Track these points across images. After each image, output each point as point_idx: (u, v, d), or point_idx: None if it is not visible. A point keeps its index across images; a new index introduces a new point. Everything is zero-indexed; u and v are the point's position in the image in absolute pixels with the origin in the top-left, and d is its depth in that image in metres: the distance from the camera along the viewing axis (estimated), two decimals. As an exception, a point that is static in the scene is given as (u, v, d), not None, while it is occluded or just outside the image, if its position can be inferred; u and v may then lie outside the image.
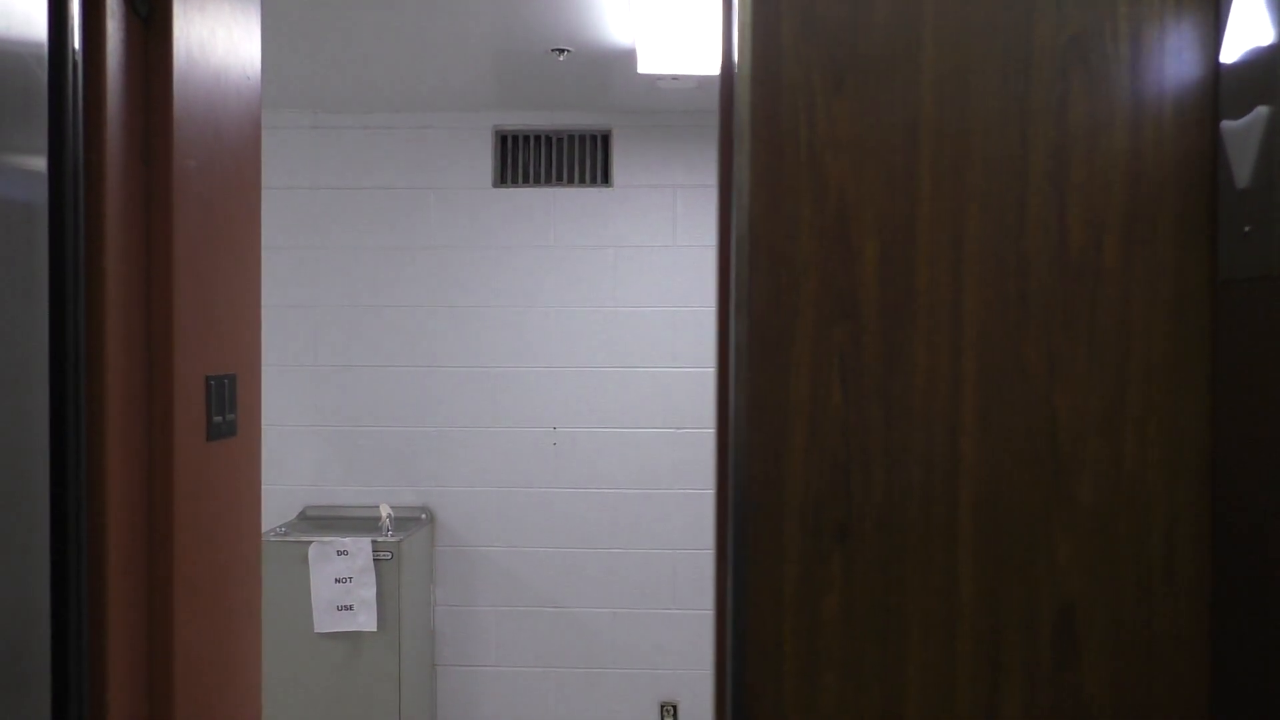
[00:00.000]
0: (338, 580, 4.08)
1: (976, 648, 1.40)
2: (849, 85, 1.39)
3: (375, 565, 4.08)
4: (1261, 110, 1.29)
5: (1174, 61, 1.40)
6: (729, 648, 1.40)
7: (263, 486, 4.69)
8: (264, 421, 4.51)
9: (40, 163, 1.46)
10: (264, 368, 4.50)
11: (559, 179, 4.57)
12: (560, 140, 4.57)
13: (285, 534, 4.20)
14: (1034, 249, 1.39)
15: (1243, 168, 1.32)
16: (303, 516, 4.54)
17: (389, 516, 4.30)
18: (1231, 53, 1.36)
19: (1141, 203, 1.39)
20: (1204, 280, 1.40)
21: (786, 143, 1.39)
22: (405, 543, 4.16)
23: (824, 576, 1.39)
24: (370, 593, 4.07)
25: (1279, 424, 1.25)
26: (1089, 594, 1.39)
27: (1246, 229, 1.32)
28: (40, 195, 1.47)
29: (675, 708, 4.57)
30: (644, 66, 3.52)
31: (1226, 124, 1.36)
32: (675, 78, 3.79)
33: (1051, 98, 1.39)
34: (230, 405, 2.08)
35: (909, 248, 1.39)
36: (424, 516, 4.54)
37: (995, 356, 1.39)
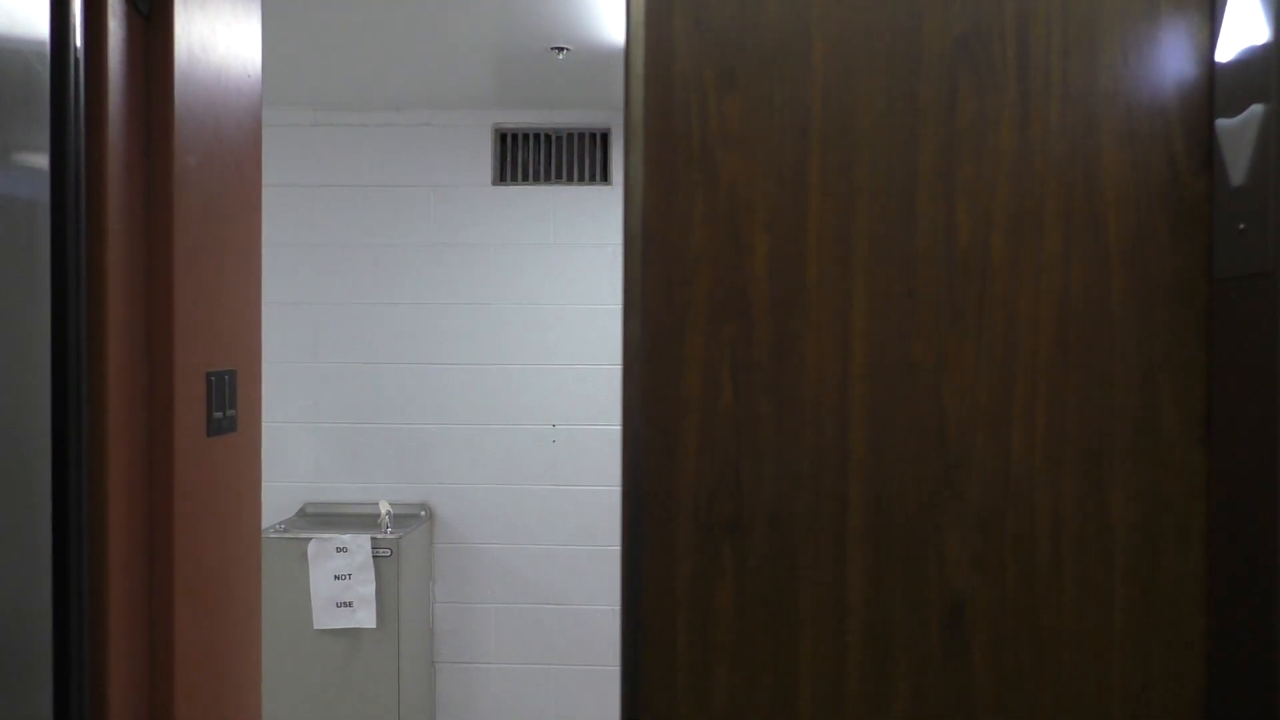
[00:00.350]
0: (337, 577, 4.12)
1: (866, 640, 1.41)
2: (740, 82, 1.41)
3: (374, 562, 4.12)
4: (1256, 109, 1.29)
5: (1085, 62, 1.41)
6: (626, 639, 1.42)
7: (262, 483, 4.75)
8: (264, 418, 4.57)
9: (42, 160, 1.48)
10: (264, 364, 4.55)
11: (558, 177, 4.60)
12: (560, 138, 4.60)
13: (285, 531, 4.25)
14: (922, 246, 1.40)
15: (1237, 165, 1.32)
16: (302, 513, 4.59)
17: (388, 513, 4.34)
18: (1227, 52, 1.36)
19: (1028, 200, 1.40)
20: (1118, 277, 1.41)
21: (678, 139, 1.40)
22: (404, 540, 4.19)
23: (716, 570, 1.41)
24: (369, 589, 4.11)
25: (1273, 418, 1.25)
26: (977, 589, 1.40)
27: (1241, 226, 1.32)
28: (42, 192, 1.48)
29: (671, 705, 4.57)
30: (642, 65, 3.53)
31: (1221, 122, 1.36)
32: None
33: (940, 96, 1.40)
34: (230, 401, 2.10)
35: (799, 244, 1.40)
36: (423, 513, 4.58)
37: (884, 352, 1.40)
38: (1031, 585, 1.40)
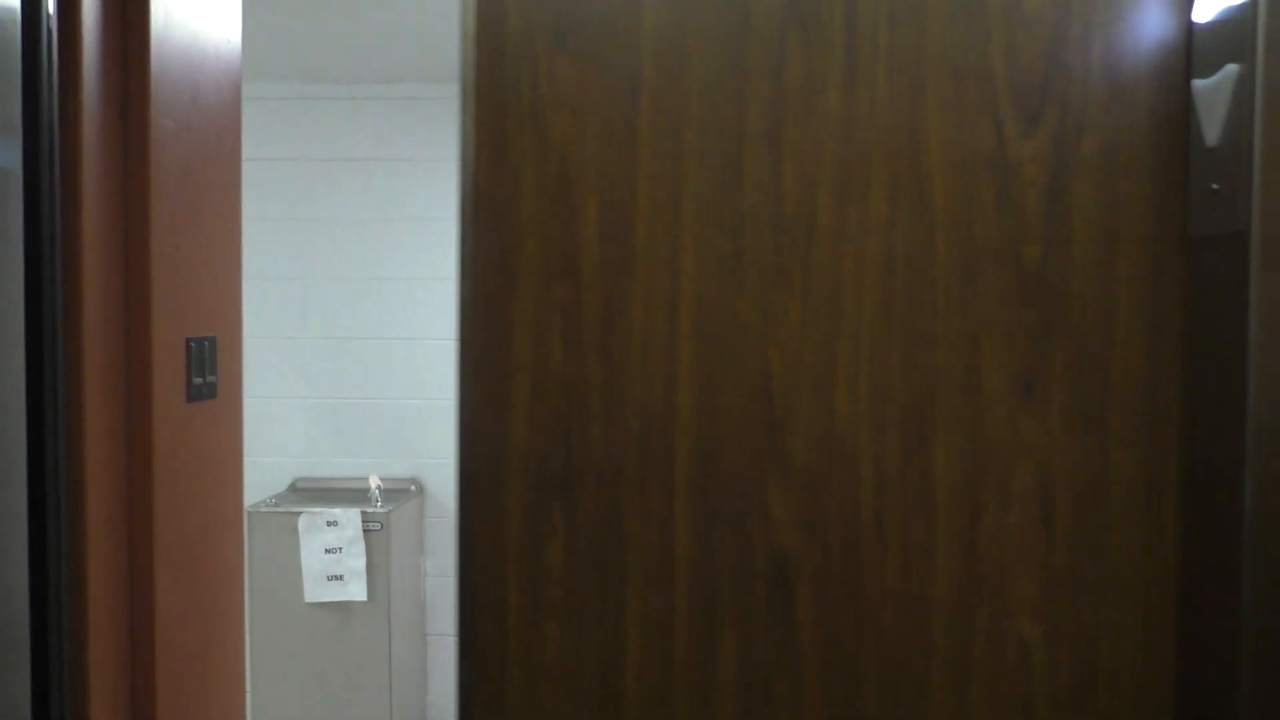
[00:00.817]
0: (328, 551, 4.18)
1: (693, 598, 1.42)
2: (571, 44, 1.42)
3: (365, 536, 4.17)
4: (1231, 68, 1.29)
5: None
6: (460, 599, 1.45)
7: (252, 458, 4.78)
8: (254, 394, 4.61)
9: (15, 123, 1.49)
10: (252, 340, 4.59)
11: (548, 156, 4.60)
12: (550, 118, 4.60)
13: (275, 505, 4.31)
14: (750, 208, 1.41)
15: (1212, 126, 1.33)
16: (293, 488, 4.65)
17: (378, 488, 4.39)
18: (1204, 12, 1.36)
19: (854, 163, 1.40)
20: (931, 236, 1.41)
21: (510, 101, 1.42)
22: (395, 514, 4.24)
23: (546, 529, 1.43)
24: (360, 563, 4.16)
25: (1243, 376, 1.26)
26: (801, 548, 1.41)
27: (1215, 186, 1.32)
28: (15, 156, 1.49)
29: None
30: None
31: (1197, 83, 1.37)
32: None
33: (769, 58, 1.41)
34: (211, 367, 2.13)
35: (628, 206, 1.42)
36: (413, 488, 4.62)
37: (712, 314, 1.42)
38: (854, 544, 1.41)
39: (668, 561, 1.43)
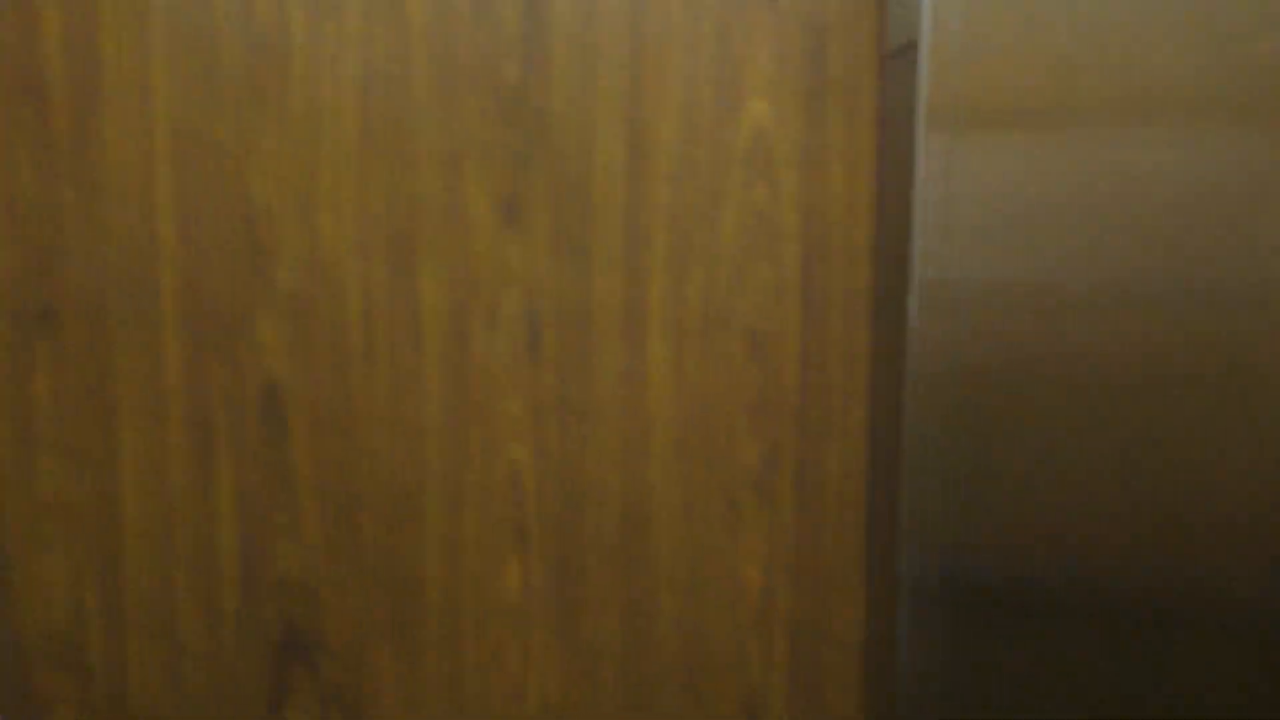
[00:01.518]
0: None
1: (187, 429, 1.40)
2: None
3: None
4: None
5: None
6: (-47, 432, 1.41)
7: None
8: None
9: None
10: None
11: None
12: None
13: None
14: (221, 23, 1.33)
15: None
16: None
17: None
18: None
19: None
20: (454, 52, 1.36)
21: (-45, -92, 1.31)
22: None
23: (30, 363, 1.38)
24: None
25: (908, 197, 1.23)
26: (292, 376, 1.39)
27: None
28: None
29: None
30: None
31: None
32: None
33: None
34: None
35: (92, 19, 1.33)
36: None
37: (188, 137, 1.35)
38: (345, 371, 1.39)
39: (159, 393, 1.40)
